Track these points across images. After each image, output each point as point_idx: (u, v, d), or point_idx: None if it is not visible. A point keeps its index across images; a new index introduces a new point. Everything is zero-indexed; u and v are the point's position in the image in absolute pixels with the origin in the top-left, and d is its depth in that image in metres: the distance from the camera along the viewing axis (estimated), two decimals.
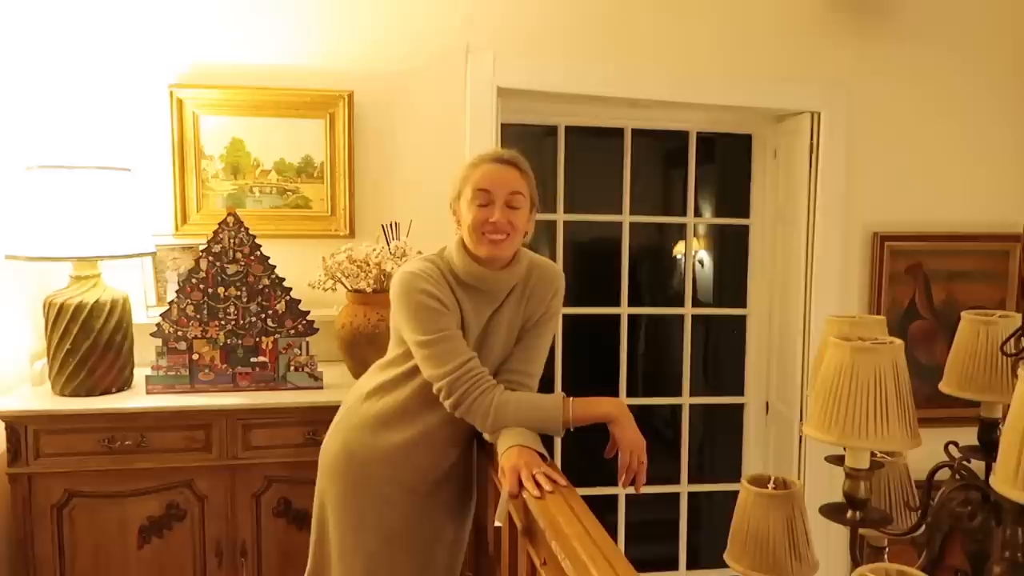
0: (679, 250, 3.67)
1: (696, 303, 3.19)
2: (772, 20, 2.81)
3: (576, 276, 3.53)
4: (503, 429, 1.56)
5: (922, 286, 2.99)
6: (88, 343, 2.10)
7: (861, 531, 1.34)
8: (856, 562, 1.19)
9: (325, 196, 2.56)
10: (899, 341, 1.12)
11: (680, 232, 3.19)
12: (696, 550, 3.25)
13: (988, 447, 1.28)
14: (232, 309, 2.18)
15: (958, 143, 2.98)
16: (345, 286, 2.30)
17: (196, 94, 2.46)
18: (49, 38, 2.38)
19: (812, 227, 2.91)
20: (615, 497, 3.10)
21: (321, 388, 2.22)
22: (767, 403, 3.19)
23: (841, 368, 1.10)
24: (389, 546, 1.70)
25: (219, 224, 2.17)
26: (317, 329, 2.24)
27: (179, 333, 2.16)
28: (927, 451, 1.26)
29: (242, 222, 2.18)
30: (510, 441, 1.51)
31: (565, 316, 2.96)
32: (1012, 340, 1.16)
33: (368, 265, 2.26)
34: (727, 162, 3.48)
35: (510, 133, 2.77)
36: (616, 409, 1.59)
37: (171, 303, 2.17)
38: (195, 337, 2.16)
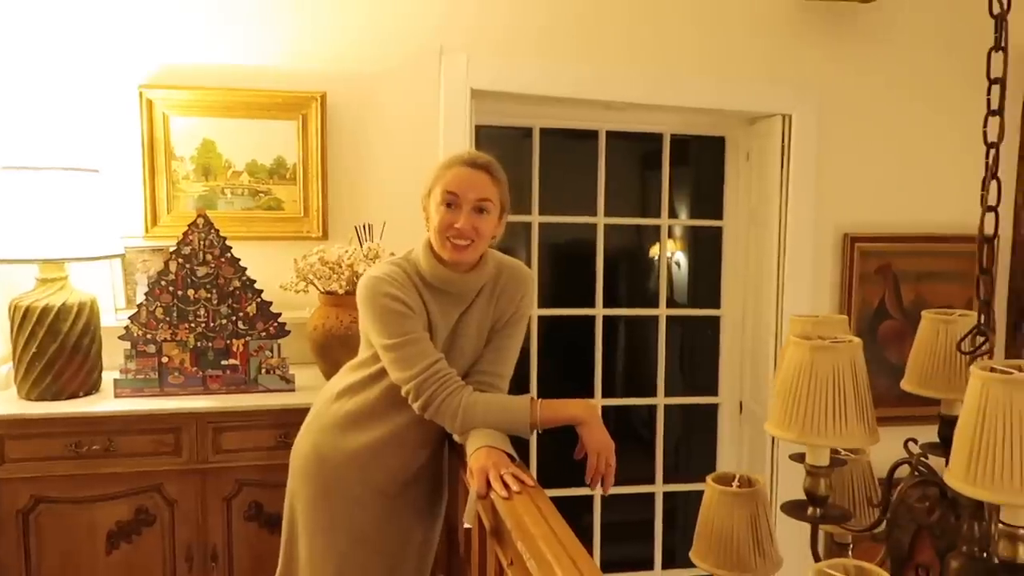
0: (655, 252, 3.69)
1: (672, 304, 3.20)
2: (745, 22, 2.83)
3: (552, 278, 3.55)
4: (472, 430, 1.56)
5: (892, 286, 3.03)
6: (55, 346, 2.07)
7: (826, 528, 1.36)
8: (817, 558, 1.21)
9: (298, 198, 2.55)
10: (857, 340, 1.14)
11: (656, 234, 3.21)
12: (672, 550, 3.26)
13: (947, 444, 1.30)
14: (202, 311, 2.16)
15: (927, 145, 3.02)
16: (317, 288, 2.29)
17: (166, 95, 2.43)
18: (16, 37, 2.35)
19: (784, 228, 2.93)
20: (591, 498, 3.10)
21: (293, 391, 2.21)
22: (741, 403, 3.21)
23: (800, 366, 1.12)
24: (359, 548, 1.70)
25: (189, 226, 2.15)
26: (289, 331, 2.23)
27: (148, 336, 2.14)
28: (895, 449, 1.27)
29: (212, 224, 2.16)
30: (479, 442, 1.52)
31: (541, 317, 2.96)
32: (968, 338, 1.18)
33: (341, 267, 2.25)
34: (701, 164, 3.51)
35: (485, 135, 2.77)
36: (584, 412, 1.59)
37: (140, 305, 2.14)
38: (164, 340, 2.14)
